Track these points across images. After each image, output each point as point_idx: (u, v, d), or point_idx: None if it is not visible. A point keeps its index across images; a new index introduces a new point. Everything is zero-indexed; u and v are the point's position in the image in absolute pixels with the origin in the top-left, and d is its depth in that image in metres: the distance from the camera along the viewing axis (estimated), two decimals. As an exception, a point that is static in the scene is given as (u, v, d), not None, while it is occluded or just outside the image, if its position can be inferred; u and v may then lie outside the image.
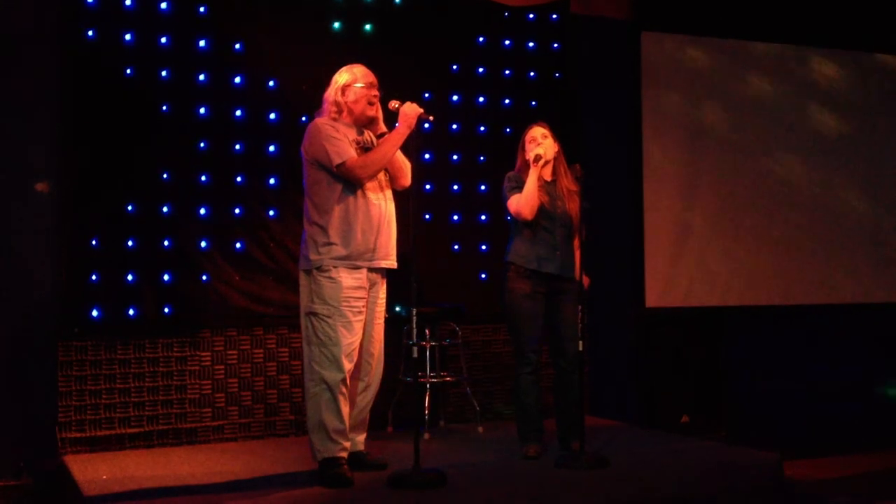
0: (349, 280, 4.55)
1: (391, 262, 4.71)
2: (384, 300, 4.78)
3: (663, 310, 6.98)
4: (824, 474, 6.05)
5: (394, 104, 4.66)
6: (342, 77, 4.70)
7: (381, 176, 4.70)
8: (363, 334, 4.66)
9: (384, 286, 4.76)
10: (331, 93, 4.69)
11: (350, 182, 4.55)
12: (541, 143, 5.06)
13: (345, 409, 4.55)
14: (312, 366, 4.55)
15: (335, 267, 4.53)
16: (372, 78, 4.71)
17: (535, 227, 5.02)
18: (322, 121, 4.65)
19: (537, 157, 4.96)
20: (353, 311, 4.56)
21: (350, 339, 4.54)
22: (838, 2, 7.43)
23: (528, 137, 5.11)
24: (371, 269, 4.64)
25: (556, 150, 5.11)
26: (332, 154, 4.50)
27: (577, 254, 5.14)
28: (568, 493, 4.46)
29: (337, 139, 4.55)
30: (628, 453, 5.14)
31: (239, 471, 4.86)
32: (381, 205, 4.65)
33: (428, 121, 4.60)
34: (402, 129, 4.56)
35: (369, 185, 4.62)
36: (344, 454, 4.55)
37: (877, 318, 7.60)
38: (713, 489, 4.66)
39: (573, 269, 5.05)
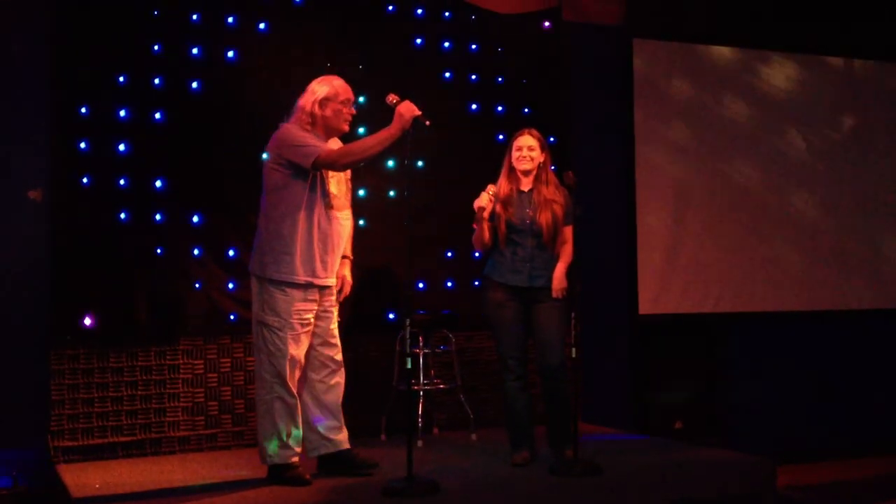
0: (301, 294, 4.60)
1: (333, 280, 4.76)
2: (336, 304, 4.83)
3: (656, 316, 7.00)
4: (818, 480, 6.06)
5: (392, 98, 4.60)
6: (322, 89, 4.66)
7: (345, 190, 4.75)
8: (321, 339, 4.73)
9: (333, 294, 4.80)
10: (307, 102, 4.65)
11: (318, 191, 4.57)
12: (526, 155, 5.04)
13: (298, 417, 4.64)
14: (263, 375, 4.62)
15: (289, 282, 4.56)
16: (351, 94, 4.72)
17: (506, 240, 5.03)
18: (292, 126, 4.64)
19: (480, 210, 4.95)
20: (303, 323, 4.63)
21: (296, 351, 4.61)
22: (838, 8, 7.45)
23: (515, 145, 5.10)
24: (320, 286, 4.68)
25: (542, 159, 5.09)
26: (309, 150, 4.49)
27: (562, 263, 5.08)
28: (561, 500, 4.46)
29: (311, 138, 4.57)
30: (622, 460, 5.13)
31: (232, 479, 4.85)
32: (342, 223, 4.71)
33: (425, 125, 4.51)
34: (395, 129, 4.48)
35: (334, 200, 4.65)
36: (296, 459, 4.65)
37: (868, 324, 7.62)
38: (706, 495, 4.66)
39: (549, 279, 5.02)
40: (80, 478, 4.89)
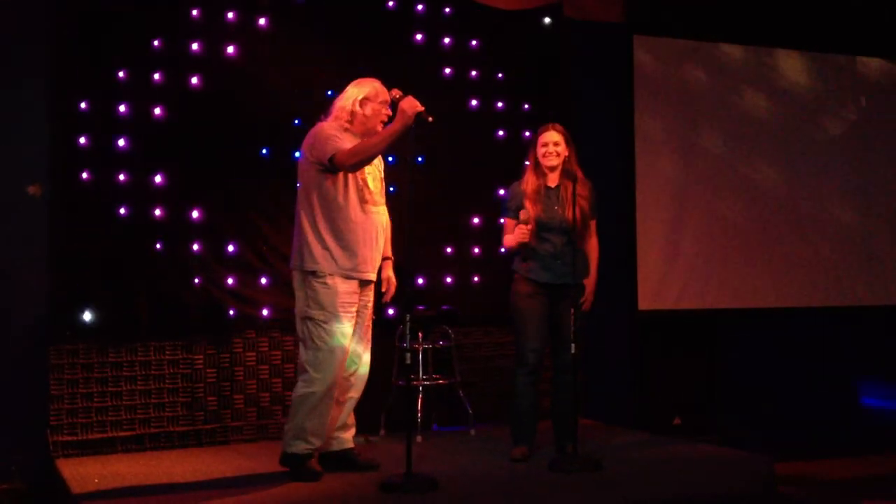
0: (343, 285, 4.62)
1: (374, 275, 4.79)
2: (373, 303, 4.85)
3: (656, 312, 7.00)
4: (817, 477, 6.06)
5: (395, 93, 4.66)
6: (362, 90, 4.75)
7: (380, 187, 4.78)
8: (358, 335, 4.74)
9: (372, 290, 4.82)
10: (347, 102, 4.73)
11: (353, 186, 4.61)
12: (552, 151, 5.05)
13: (329, 413, 4.64)
14: (306, 367, 4.61)
15: (331, 274, 4.58)
16: (387, 96, 4.77)
17: (536, 237, 5.03)
18: (329, 124, 4.71)
19: (524, 246, 4.98)
20: (348, 315, 4.64)
21: (343, 344, 4.60)
22: (833, 6, 7.45)
23: (540, 141, 5.12)
24: (361, 280, 4.71)
25: (567, 154, 5.11)
26: (329, 148, 4.55)
27: (593, 256, 5.16)
28: (560, 496, 4.47)
29: (338, 137, 4.61)
30: (621, 456, 5.15)
31: (230, 474, 4.86)
32: (378, 218, 4.74)
33: (427, 121, 4.52)
34: (398, 126, 4.51)
35: (369, 196, 4.69)
36: (313, 452, 4.63)
37: (867, 320, 7.62)
38: (705, 491, 4.67)
39: (577, 276, 5.04)
40: (80, 472, 4.89)
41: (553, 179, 5.11)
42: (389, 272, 4.94)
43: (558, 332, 5.09)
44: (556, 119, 6.51)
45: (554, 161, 5.06)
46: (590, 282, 5.14)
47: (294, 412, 4.62)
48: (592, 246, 5.19)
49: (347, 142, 4.61)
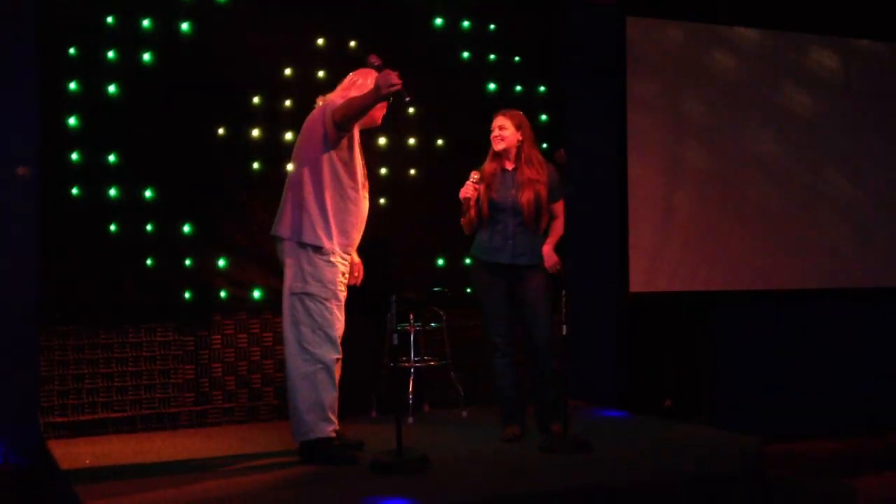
0: (342, 264, 4.67)
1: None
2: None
3: (647, 294, 7.00)
4: (806, 457, 6.09)
5: (374, 60, 4.58)
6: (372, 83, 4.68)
7: (365, 173, 4.79)
8: None
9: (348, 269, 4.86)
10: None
11: (353, 167, 4.65)
12: (497, 135, 5.10)
13: (337, 380, 4.64)
14: (305, 346, 4.58)
15: (333, 252, 4.61)
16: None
17: (490, 219, 5.09)
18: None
19: (466, 200, 5.04)
20: (342, 293, 4.69)
21: (342, 319, 4.67)
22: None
23: (491, 126, 5.16)
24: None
25: (519, 138, 5.11)
26: (332, 111, 4.57)
27: (550, 238, 5.15)
28: (550, 476, 4.47)
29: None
30: (611, 437, 5.17)
31: (222, 455, 4.87)
32: (366, 203, 4.79)
33: (405, 99, 4.50)
34: (369, 99, 4.52)
35: (364, 181, 4.74)
36: (335, 434, 4.61)
37: (861, 303, 7.63)
38: (694, 473, 4.68)
39: (532, 257, 5.08)
40: (71, 454, 4.89)
41: (509, 163, 5.14)
42: (357, 257, 4.94)
43: (522, 314, 5.11)
44: (549, 100, 6.55)
45: (499, 144, 5.10)
46: (547, 246, 5.11)
47: (304, 393, 4.54)
48: (557, 227, 5.18)
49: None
